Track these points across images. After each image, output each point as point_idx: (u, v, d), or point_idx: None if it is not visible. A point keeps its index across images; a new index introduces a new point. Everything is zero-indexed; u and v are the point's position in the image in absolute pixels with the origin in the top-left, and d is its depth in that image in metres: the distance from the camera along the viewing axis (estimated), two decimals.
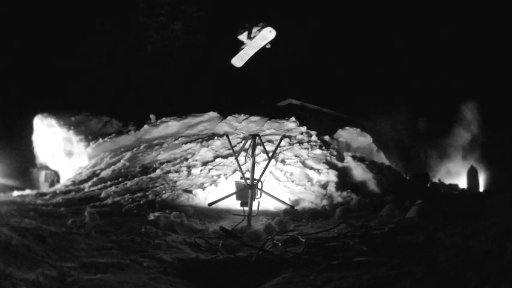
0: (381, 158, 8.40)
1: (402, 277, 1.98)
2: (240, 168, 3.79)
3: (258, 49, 6.10)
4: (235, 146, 6.50)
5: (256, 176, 3.80)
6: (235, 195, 3.82)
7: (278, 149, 5.89)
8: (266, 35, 5.96)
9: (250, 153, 3.72)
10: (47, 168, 7.84)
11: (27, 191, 6.02)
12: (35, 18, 9.16)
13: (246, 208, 3.70)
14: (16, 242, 2.26)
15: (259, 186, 3.78)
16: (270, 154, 4.28)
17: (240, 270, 2.25)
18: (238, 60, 6.77)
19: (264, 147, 4.27)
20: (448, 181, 8.47)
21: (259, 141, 3.91)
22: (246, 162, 3.91)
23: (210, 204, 3.66)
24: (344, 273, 2.04)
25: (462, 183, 8.72)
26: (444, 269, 2.04)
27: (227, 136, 4.34)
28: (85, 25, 9.85)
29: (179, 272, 2.16)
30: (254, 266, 2.26)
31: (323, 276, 1.99)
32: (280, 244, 2.66)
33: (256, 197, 3.75)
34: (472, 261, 2.03)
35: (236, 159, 3.86)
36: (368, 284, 1.89)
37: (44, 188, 7.28)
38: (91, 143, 7.69)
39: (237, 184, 3.83)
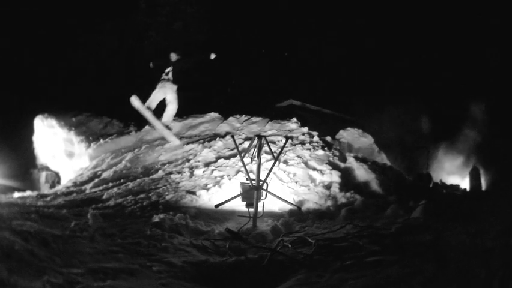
0: (383, 159, 8.39)
1: (415, 275, 2.01)
2: (246, 169, 3.77)
3: (149, 117, 6.42)
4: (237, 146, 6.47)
5: (261, 177, 3.77)
6: (239, 196, 3.80)
7: (279, 149, 5.88)
8: (134, 103, 6.30)
9: (256, 154, 3.69)
10: (47, 169, 7.77)
11: (28, 193, 5.96)
12: (35, 18, 9.10)
13: (251, 209, 3.67)
14: (19, 246, 2.18)
15: (264, 187, 3.75)
16: (275, 155, 4.25)
17: (251, 272, 2.22)
18: (172, 137, 6.89)
19: (270, 148, 4.25)
20: (448, 181, 8.48)
21: (264, 142, 3.88)
22: (251, 162, 3.88)
23: (217, 205, 3.63)
24: (357, 273, 2.03)
25: (462, 183, 8.73)
26: (453, 266, 2.09)
27: (232, 136, 4.32)
28: (85, 25, 9.79)
29: (190, 276, 2.12)
30: (266, 268, 2.23)
31: (337, 277, 1.98)
32: (290, 245, 2.64)
33: (262, 198, 3.73)
34: (479, 258, 2.09)
35: (241, 159, 3.83)
36: (382, 282, 1.89)
37: (45, 189, 7.22)
38: (91, 144, 7.64)
39: (242, 185, 3.80)
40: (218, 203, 3.72)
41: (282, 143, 6.56)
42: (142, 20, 10.85)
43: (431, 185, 7.17)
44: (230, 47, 11.32)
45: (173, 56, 7.19)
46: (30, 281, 1.76)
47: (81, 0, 9.84)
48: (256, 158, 3.70)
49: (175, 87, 7.08)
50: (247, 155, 4.14)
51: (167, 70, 7.11)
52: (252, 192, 3.64)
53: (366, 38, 11.32)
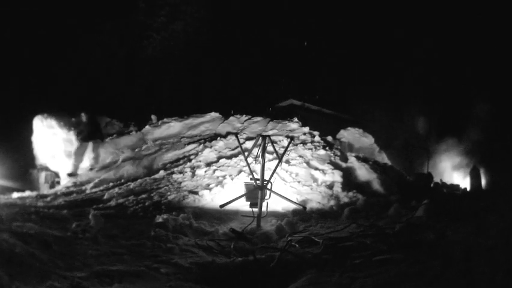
0: (383, 158, 8.41)
1: (423, 272, 2.04)
2: (250, 169, 3.75)
3: None
4: (238, 147, 6.45)
5: (264, 177, 3.75)
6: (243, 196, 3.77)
7: (282, 149, 5.87)
8: None
9: (260, 154, 3.68)
10: (47, 169, 7.71)
11: (28, 193, 5.92)
12: (36, 18, 9.05)
13: (255, 209, 3.65)
14: (20, 249, 2.10)
15: (268, 187, 3.73)
16: (279, 155, 4.23)
17: (260, 273, 2.20)
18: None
19: (275, 148, 4.23)
20: (448, 181, 8.49)
21: (268, 142, 3.86)
22: (256, 162, 3.86)
23: (222, 206, 3.61)
24: (367, 271, 2.03)
25: (463, 182, 8.75)
26: (459, 263, 2.12)
27: (236, 136, 4.30)
28: (85, 25, 9.75)
29: (198, 277, 2.09)
30: (275, 269, 2.21)
31: (348, 276, 1.97)
32: (297, 245, 2.63)
33: (266, 197, 3.71)
34: (483, 255, 2.15)
35: (245, 159, 3.81)
36: (392, 280, 1.90)
37: (44, 189, 7.16)
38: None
39: (247, 185, 3.78)
40: (222, 203, 3.70)
41: (283, 143, 6.56)
42: (142, 20, 10.81)
43: (431, 185, 7.18)
44: (230, 47, 11.29)
45: (84, 117, 7.35)
46: (33, 286, 1.70)
47: (81, 0, 9.80)
48: (260, 158, 3.68)
49: (90, 145, 7.22)
50: (252, 154, 4.12)
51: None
52: (256, 192, 3.62)
53: (367, 38, 11.33)
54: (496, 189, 7.44)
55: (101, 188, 5.84)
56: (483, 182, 8.33)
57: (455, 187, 7.76)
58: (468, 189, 8.09)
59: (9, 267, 1.84)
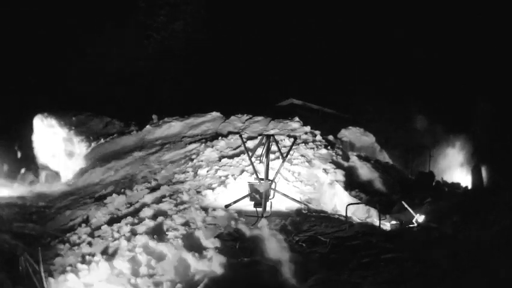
0: (385, 157, 8.40)
1: (430, 269, 2.04)
2: (254, 169, 3.74)
3: None
4: (240, 146, 6.43)
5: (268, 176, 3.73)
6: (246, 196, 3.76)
7: (283, 149, 5.85)
8: None
9: (264, 153, 3.66)
10: (47, 169, 7.68)
11: (28, 192, 5.88)
12: (37, 18, 9.03)
13: (259, 209, 3.64)
14: (21, 251, 2.10)
15: (272, 186, 3.72)
16: (278, 154, 4.22)
17: (268, 272, 2.18)
18: None
19: (279, 148, 4.22)
20: (450, 179, 8.49)
21: (272, 141, 3.85)
22: (260, 162, 3.84)
23: (227, 206, 3.60)
24: (375, 270, 2.03)
25: (464, 181, 8.74)
26: (464, 260, 2.15)
27: (240, 136, 4.29)
28: (85, 25, 9.74)
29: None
30: (283, 268, 2.20)
31: (357, 274, 1.98)
32: (304, 245, 2.62)
33: (270, 197, 3.70)
34: (487, 251, 2.21)
35: (249, 159, 3.80)
36: (401, 278, 1.91)
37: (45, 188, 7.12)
38: (92, 144, 7.57)
39: (250, 185, 3.77)
40: (225, 203, 3.68)
41: (285, 142, 6.53)
42: (142, 20, 10.80)
43: (433, 184, 7.17)
44: (230, 46, 11.29)
45: None
46: None
47: (81, 0, 9.79)
48: (264, 158, 3.67)
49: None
50: (253, 154, 4.10)
51: None
52: (261, 191, 3.61)
53: (367, 37, 11.35)
54: (497, 188, 7.44)
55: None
56: (484, 179, 8.32)
57: (456, 186, 7.75)
58: (469, 187, 8.08)
59: (11, 270, 1.81)
